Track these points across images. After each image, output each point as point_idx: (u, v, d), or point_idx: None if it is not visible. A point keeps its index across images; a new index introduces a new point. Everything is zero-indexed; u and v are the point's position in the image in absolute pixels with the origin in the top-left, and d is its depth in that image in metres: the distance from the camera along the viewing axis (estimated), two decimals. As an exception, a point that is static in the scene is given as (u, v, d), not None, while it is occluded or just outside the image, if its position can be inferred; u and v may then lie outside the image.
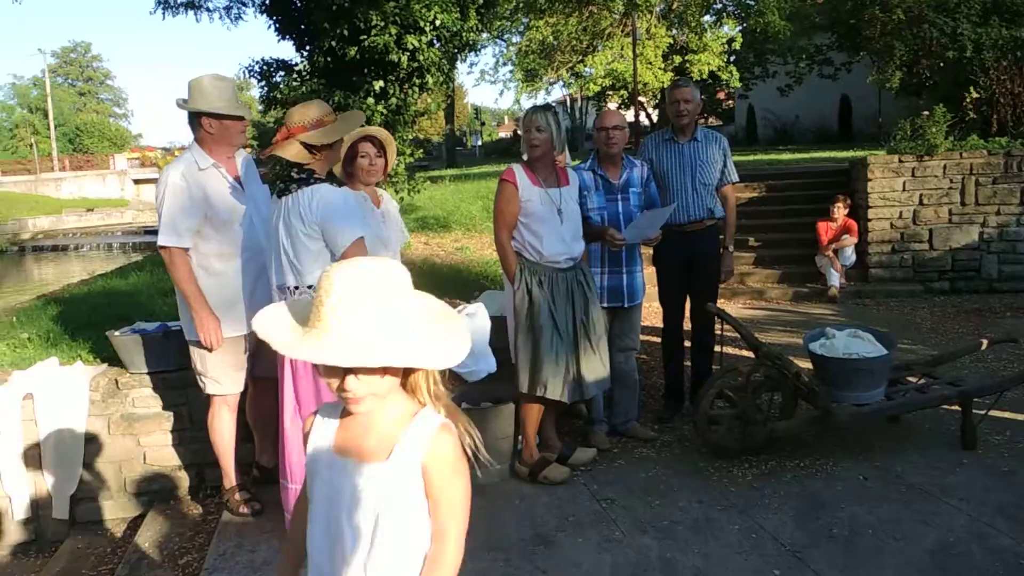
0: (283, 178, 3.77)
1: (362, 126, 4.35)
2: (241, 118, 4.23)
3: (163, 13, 10.74)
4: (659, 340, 5.83)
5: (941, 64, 16.84)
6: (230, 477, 4.48)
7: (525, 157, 4.63)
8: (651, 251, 5.48)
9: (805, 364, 4.91)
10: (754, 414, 4.73)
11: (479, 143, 59.25)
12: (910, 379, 5.19)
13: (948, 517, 3.99)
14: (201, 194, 4.10)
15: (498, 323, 4.79)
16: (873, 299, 9.37)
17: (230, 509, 4.42)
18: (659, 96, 28.34)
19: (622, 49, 25.81)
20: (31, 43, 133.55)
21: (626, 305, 5.06)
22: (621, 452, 5.02)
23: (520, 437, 4.74)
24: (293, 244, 3.68)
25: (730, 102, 38.13)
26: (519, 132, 4.67)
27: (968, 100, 13.71)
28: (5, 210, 34.48)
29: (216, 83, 4.17)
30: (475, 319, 4.18)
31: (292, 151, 3.69)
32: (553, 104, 5.91)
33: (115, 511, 4.93)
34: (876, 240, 9.78)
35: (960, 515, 4.01)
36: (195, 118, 4.18)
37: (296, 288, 3.71)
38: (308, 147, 3.72)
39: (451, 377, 3.82)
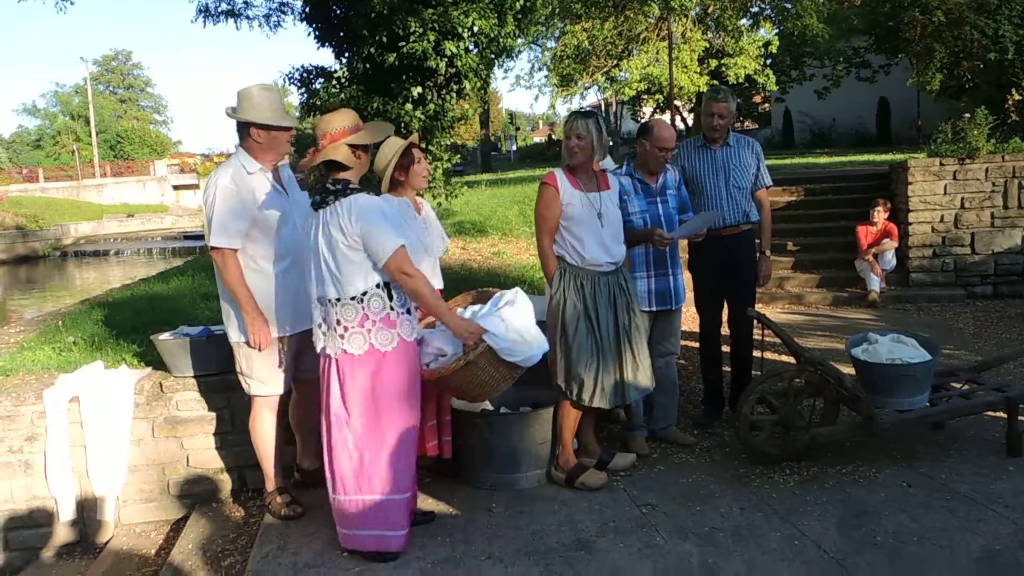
0: (319, 191, 3.78)
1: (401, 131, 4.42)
2: (288, 128, 4.28)
3: (204, 21, 10.90)
4: (696, 345, 5.80)
5: (982, 66, 16.65)
6: (272, 480, 4.52)
7: (565, 161, 4.63)
8: (687, 257, 5.47)
9: (846, 369, 4.87)
10: (796, 420, 4.70)
11: (514, 148, 59.37)
12: (954, 385, 5.12)
13: (994, 525, 3.94)
14: (251, 197, 4.17)
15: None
16: (914, 304, 9.27)
17: (272, 512, 4.45)
18: (695, 100, 28.24)
19: (657, 53, 25.78)
20: (73, 52, 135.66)
21: (673, 307, 5.05)
22: (661, 458, 5.01)
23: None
24: (334, 255, 3.70)
25: (766, 105, 37.90)
26: (562, 136, 4.65)
27: (1010, 102, 13.54)
28: (48, 215, 35.07)
29: (264, 93, 4.23)
30: (516, 305, 4.14)
31: (342, 153, 3.73)
32: (595, 110, 5.90)
33: (159, 513, 4.99)
34: (917, 244, 9.67)
35: (1006, 523, 3.95)
36: (244, 127, 4.25)
37: (338, 299, 3.73)
38: (354, 149, 3.76)
39: (509, 366, 3.89)
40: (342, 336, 3.74)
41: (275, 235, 4.22)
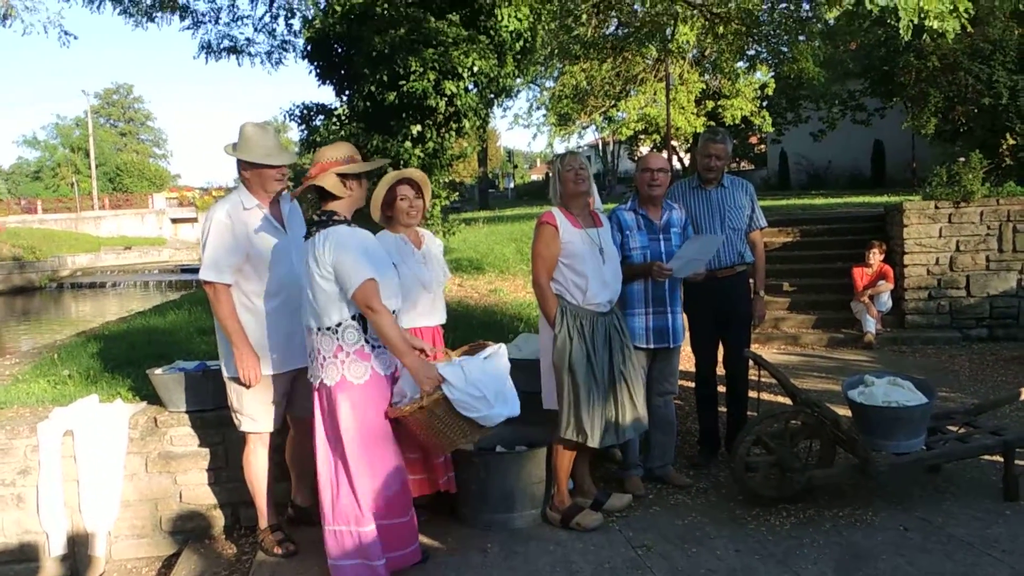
0: (309, 221, 3.84)
1: (387, 170, 4.45)
2: (275, 167, 4.27)
3: (206, 57, 11.02)
4: (692, 385, 5.80)
5: (976, 111, 16.84)
6: (265, 517, 4.49)
7: (557, 200, 4.61)
8: (683, 297, 5.49)
9: (842, 411, 4.86)
10: (792, 461, 4.69)
11: (511, 185, 59.64)
12: (950, 428, 5.12)
13: (990, 569, 3.92)
14: (244, 232, 4.18)
15: (532, 366, 4.79)
16: (910, 346, 9.28)
17: (264, 549, 4.43)
18: (691, 141, 28.43)
19: (655, 94, 25.99)
20: (75, 85, 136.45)
21: (671, 346, 5.04)
22: (657, 498, 4.99)
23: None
24: (312, 286, 3.74)
25: (762, 146, 38.16)
26: (559, 173, 4.58)
27: (1004, 147, 13.66)
28: (46, 247, 35.06)
29: (256, 132, 4.28)
30: (488, 360, 3.99)
31: (330, 181, 3.76)
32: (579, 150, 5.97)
33: (150, 549, 4.95)
34: (912, 286, 9.71)
35: (1003, 567, 3.93)
36: (239, 162, 4.29)
37: (318, 329, 3.75)
38: (343, 179, 3.79)
39: (468, 421, 3.83)
40: (321, 366, 3.78)
41: (269, 272, 4.22)
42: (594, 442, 4.44)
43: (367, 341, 3.76)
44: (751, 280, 5.61)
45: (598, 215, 4.73)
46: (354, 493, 3.77)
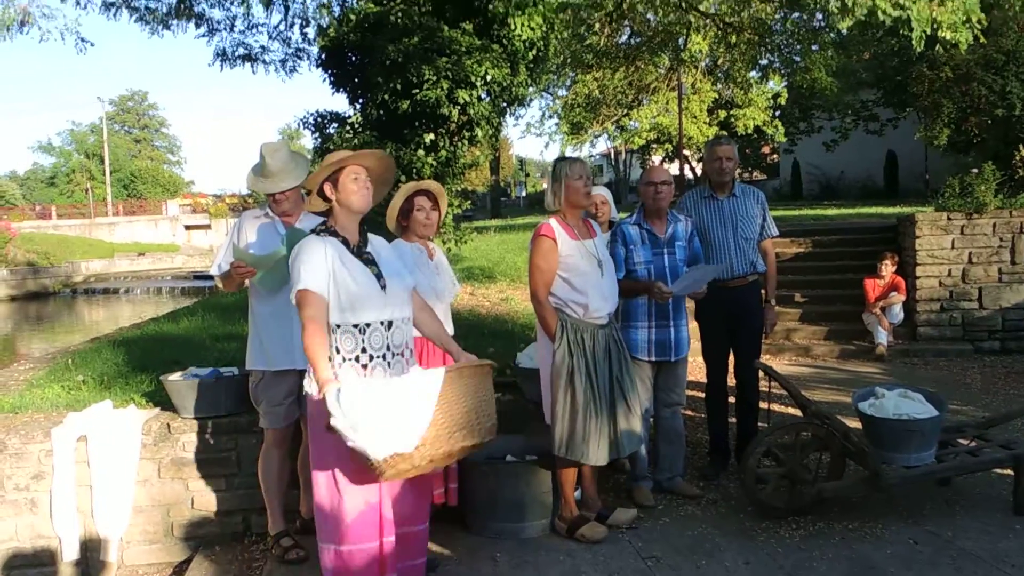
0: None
1: (402, 180, 4.42)
2: (271, 192, 4.45)
3: (221, 65, 11.07)
4: (702, 395, 5.80)
5: (989, 121, 16.79)
6: (276, 521, 4.52)
7: (556, 207, 4.56)
8: (694, 306, 5.49)
9: (853, 423, 4.86)
10: (802, 474, 4.69)
11: (523, 194, 59.73)
12: (961, 441, 5.11)
13: (1001, 584, 3.92)
14: (246, 235, 4.49)
15: (533, 375, 4.80)
16: (921, 358, 9.25)
17: (275, 556, 4.45)
18: (703, 150, 28.41)
19: (667, 103, 26.00)
20: (90, 91, 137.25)
21: (673, 359, 5.04)
22: (666, 509, 4.99)
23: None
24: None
25: (775, 156, 38.12)
26: (565, 180, 4.50)
27: (1017, 158, 13.60)
28: (59, 253, 35.21)
29: (266, 154, 4.43)
30: (410, 383, 3.38)
31: (315, 204, 3.73)
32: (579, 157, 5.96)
33: (162, 555, 4.98)
34: (924, 298, 9.68)
35: (1014, 583, 3.92)
36: None
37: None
38: (321, 197, 3.70)
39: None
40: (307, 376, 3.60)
41: None
42: (593, 460, 4.42)
43: (337, 351, 3.52)
44: (763, 290, 5.61)
45: (590, 224, 4.71)
46: (319, 511, 3.60)
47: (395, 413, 3.22)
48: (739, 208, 5.43)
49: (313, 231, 3.67)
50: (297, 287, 3.48)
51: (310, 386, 3.50)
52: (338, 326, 3.52)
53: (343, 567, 3.52)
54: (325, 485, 3.56)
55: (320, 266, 3.50)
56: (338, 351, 3.52)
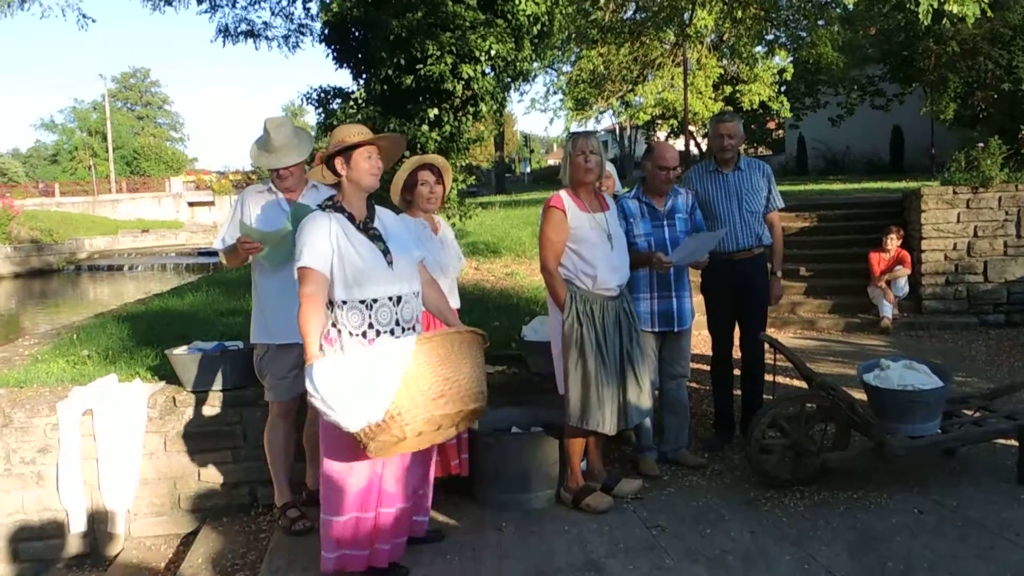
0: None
1: (406, 155, 4.41)
2: (275, 167, 4.48)
3: (224, 41, 11.01)
4: (708, 368, 5.81)
5: (996, 96, 16.70)
6: (282, 493, 4.55)
7: (566, 182, 4.58)
8: (699, 279, 5.48)
9: (858, 395, 4.86)
10: (807, 444, 4.70)
11: (528, 170, 59.60)
12: (966, 412, 5.11)
13: (1005, 552, 3.92)
14: (250, 211, 4.50)
15: (547, 348, 4.81)
16: (926, 331, 9.24)
17: (281, 527, 4.47)
18: (708, 126, 28.30)
19: (672, 79, 25.87)
20: (93, 68, 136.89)
21: (676, 330, 5.05)
22: (671, 480, 5.00)
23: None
24: None
25: (780, 132, 37.94)
26: (570, 156, 4.53)
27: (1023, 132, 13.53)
28: (63, 230, 35.27)
29: (270, 129, 4.43)
30: (387, 352, 3.42)
31: (317, 175, 3.77)
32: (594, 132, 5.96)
33: (169, 527, 5.02)
34: (930, 272, 9.65)
35: (1018, 550, 3.93)
36: None
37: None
38: (331, 169, 3.74)
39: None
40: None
41: None
42: (603, 428, 4.44)
43: (334, 325, 3.58)
44: (769, 264, 5.60)
45: (603, 197, 4.70)
46: (324, 481, 3.68)
47: (363, 384, 3.29)
48: (744, 181, 5.41)
49: (319, 206, 3.68)
50: (298, 264, 3.50)
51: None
52: (344, 302, 3.55)
53: (339, 536, 3.62)
54: (331, 459, 3.63)
55: (322, 243, 3.53)
56: (344, 327, 3.55)
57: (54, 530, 4.88)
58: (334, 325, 3.57)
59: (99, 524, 4.92)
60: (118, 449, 4.86)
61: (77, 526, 4.86)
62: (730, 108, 25.24)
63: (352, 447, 3.49)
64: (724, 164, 5.45)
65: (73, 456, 4.83)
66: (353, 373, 3.30)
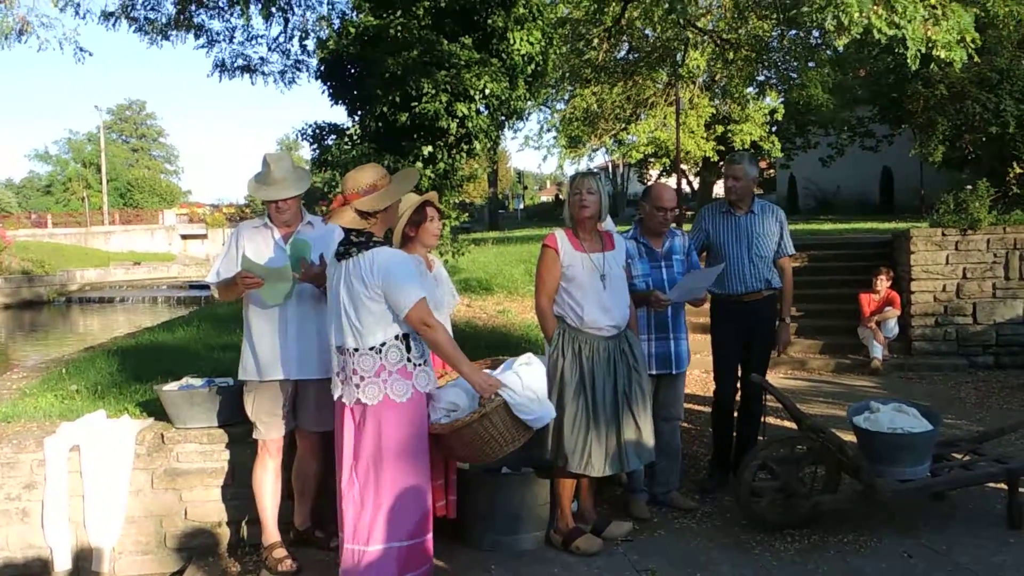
0: (343, 242, 3.86)
1: (416, 188, 4.49)
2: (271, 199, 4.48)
3: (220, 76, 11.08)
4: (700, 408, 5.80)
5: (984, 139, 16.85)
6: (269, 532, 4.51)
7: (568, 221, 4.64)
8: (707, 320, 5.48)
9: (848, 437, 4.86)
10: (797, 487, 4.69)
11: (521, 206, 59.86)
12: (955, 455, 5.11)
13: (996, 599, 3.91)
14: (243, 245, 4.49)
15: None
16: (916, 372, 9.26)
17: (268, 567, 4.44)
18: (700, 164, 28.50)
19: (665, 118, 26.05)
20: (88, 100, 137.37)
21: (674, 372, 5.05)
22: (662, 522, 4.98)
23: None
24: (355, 307, 3.75)
25: (771, 171, 38.20)
26: (565, 196, 4.68)
27: (1011, 175, 13.66)
28: (55, 261, 35.13)
29: (270, 162, 4.44)
30: (531, 367, 4.13)
31: (347, 218, 3.80)
32: (596, 171, 5.99)
33: (155, 566, 4.95)
34: (919, 313, 9.69)
35: (1009, 598, 3.92)
36: None
37: (356, 350, 3.77)
38: (363, 213, 3.81)
39: (518, 426, 3.86)
40: (357, 386, 3.77)
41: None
42: (590, 470, 4.43)
43: (409, 360, 3.81)
44: (778, 306, 5.60)
45: (611, 237, 4.73)
46: (385, 512, 3.77)
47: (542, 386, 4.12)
48: (756, 225, 5.42)
49: (370, 243, 3.80)
50: (418, 296, 3.74)
51: (371, 396, 3.76)
52: (407, 335, 3.81)
53: (388, 563, 3.79)
54: (402, 486, 3.81)
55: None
56: (414, 359, 3.84)
57: (38, 568, 4.81)
58: (409, 360, 3.82)
59: (84, 562, 4.85)
60: (105, 486, 4.81)
61: (62, 564, 4.79)
62: (722, 148, 25.44)
63: (422, 472, 3.86)
64: (735, 206, 5.46)
65: (59, 493, 4.78)
66: (540, 376, 4.10)
